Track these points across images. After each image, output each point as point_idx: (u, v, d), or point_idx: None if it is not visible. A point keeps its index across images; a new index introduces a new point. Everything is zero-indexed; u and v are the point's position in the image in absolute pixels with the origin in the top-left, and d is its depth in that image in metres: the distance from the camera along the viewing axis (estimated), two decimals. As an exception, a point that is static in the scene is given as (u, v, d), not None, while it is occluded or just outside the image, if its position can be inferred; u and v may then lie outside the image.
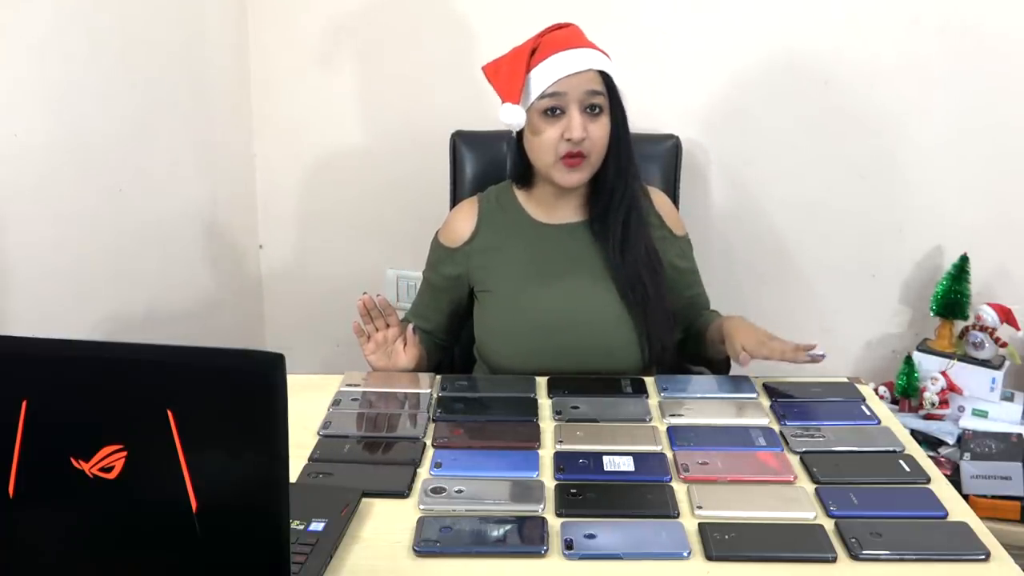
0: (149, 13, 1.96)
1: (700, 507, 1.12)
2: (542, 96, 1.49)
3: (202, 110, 2.20)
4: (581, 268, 1.58)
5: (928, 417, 2.03)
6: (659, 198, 1.68)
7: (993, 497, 1.83)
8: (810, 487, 1.18)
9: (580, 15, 1.63)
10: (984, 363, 2.03)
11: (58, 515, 0.86)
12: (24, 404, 0.83)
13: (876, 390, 1.95)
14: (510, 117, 1.51)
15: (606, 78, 1.51)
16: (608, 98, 1.52)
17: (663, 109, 2.12)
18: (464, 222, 1.64)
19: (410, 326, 1.57)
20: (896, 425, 1.36)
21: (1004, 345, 2.04)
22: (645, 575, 1.02)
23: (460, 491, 1.15)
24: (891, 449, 1.28)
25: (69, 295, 1.78)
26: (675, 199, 1.85)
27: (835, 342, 2.25)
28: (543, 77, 1.49)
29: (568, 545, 1.04)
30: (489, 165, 1.88)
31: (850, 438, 1.30)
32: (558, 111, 1.50)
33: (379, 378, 1.50)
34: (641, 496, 1.15)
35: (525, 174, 1.62)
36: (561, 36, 1.53)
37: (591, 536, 1.05)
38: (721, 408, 1.40)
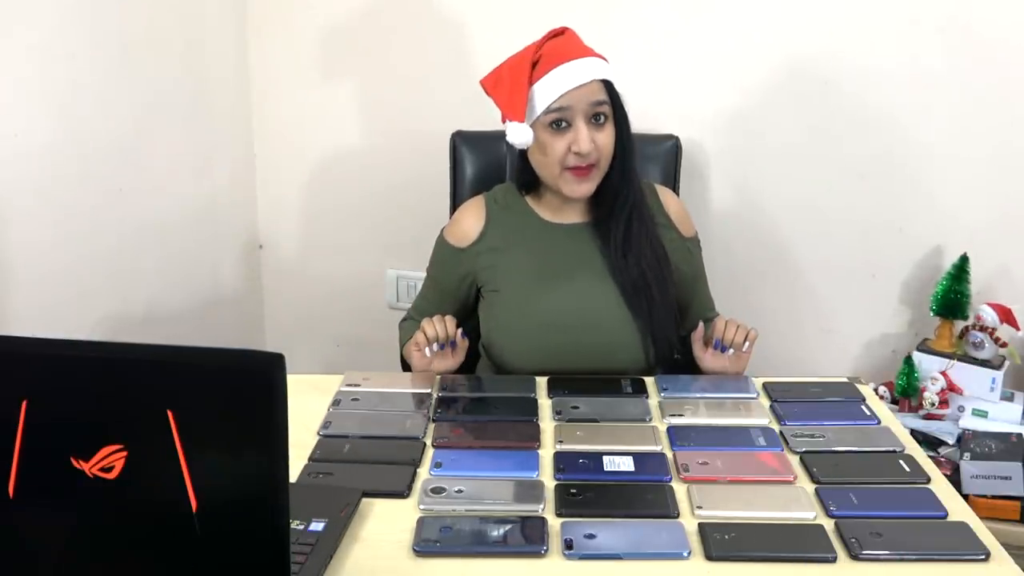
0: (149, 14, 1.96)
1: (700, 507, 1.12)
2: (547, 111, 1.49)
3: (202, 110, 2.20)
4: (587, 268, 1.58)
5: (928, 417, 2.03)
6: (669, 198, 1.69)
7: (993, 497, 1.83)
8: (810, 487, 1.18)
9: (581, 16, 1.63)
10: (984, 363, 2.03)
11: (58, 515, 0.86)
12: (24, 404, 0.83)
13: (876, 390, 1.96)
14: (517, 136, 1.50)
15: (608, 85, 1.51)
16: (611, 105, 1.52)
17: (664, 110, 2.12)
18: (472, 222, 1.64)
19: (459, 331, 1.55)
20: (896, 425, 1.36)
21: (1004, 345, 2.04)
22: (645, 575, 1.02)
23: (460, 491, 1.15)
24: (891, 449, 1.28)
25: (69, 295, 1.78)
26: (675, 199, 1.85)
27: (835, 342, 2.26)
28: (547, 92, 1.48)
29: (568, 545, 1.04)
30: (489, 165, 1.88)
31: (850, 438, 1.30)
32: (563, 124, 1.49)
33: (379, 378, 1.50)
34: (641, 496, 1.15)
35: (530, 183, 1.62)
36: (560, 46, 1.52)
37: (591, 536, 1.05)
38: (721, 408, 1.40)
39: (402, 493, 1.15)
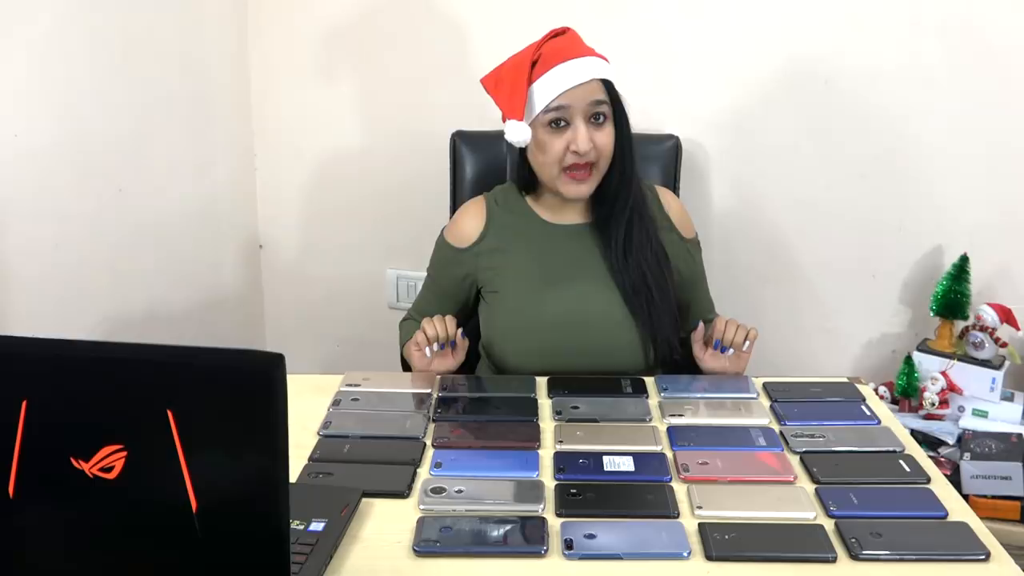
0: (149, 13, 1.96)
1: (700, 507, 1.12)
2: (547, 110, 1.49)
3: (202, 110, 2.20)
4: (587, 270, 1.58)
5: (928, 417, 2.03)
6: (670, 199, 1.69)
7: (993, 497, 1.83)
8: (810, 487, 1.18)
9: (581, 15, 1.63)
10: (984, 363, 2.03)
11: (58, 515, 0.86)
12: (24, 404, 0.83)
13: (876, 390, 1.95)
14: (516, 134, 1.50)
15: (608, 85, 1.51)
16: (611, 105, 1.51)
17: (663, 109, 2.12)
18: (473, 222, 1.64)
19: (459, 331, 1.56)
20: (896, 425, 1.36)
21: (1004, 345, 2.04)
22: (645, 575, 1.02)
23: (460, 491, 1.15)
24: (891, 449, 1.28)
25: (69, 295, 1.78)
26: (675, 199, 1.85)
27: (835, 342, 2.26)
28: (546, 90, 1.48)
29: (568, 545, 1.04)
30: (489, 165, 1.88)
31: (850, 438, 1.30)
32: (562, 123, 1.49)
33: (379, 378, 1.50)
34: (641, 496, 1.15)
35: (530, 183, 1.62)
36: (561, 45, 1.52)
37: (591, 536, 1.05)
38: (721, 408, 1.40)
39: (402, 493, 1.15)
